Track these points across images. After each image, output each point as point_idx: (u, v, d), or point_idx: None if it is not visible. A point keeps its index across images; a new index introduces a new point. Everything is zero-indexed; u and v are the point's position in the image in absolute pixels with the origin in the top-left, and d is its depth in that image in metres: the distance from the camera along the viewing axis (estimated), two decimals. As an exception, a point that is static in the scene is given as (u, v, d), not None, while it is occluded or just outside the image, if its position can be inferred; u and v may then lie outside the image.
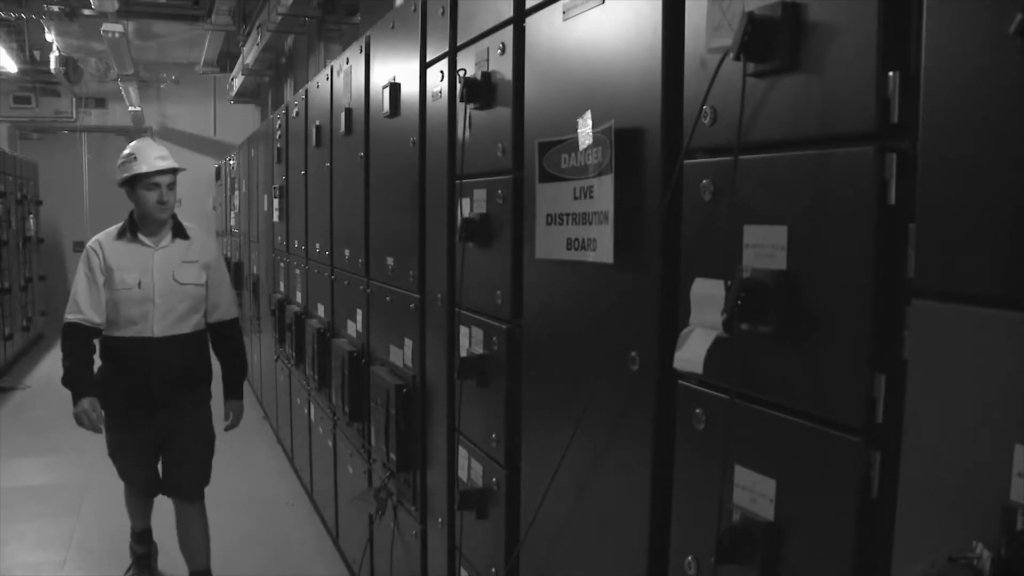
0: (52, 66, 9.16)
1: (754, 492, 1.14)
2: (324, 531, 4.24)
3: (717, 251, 1.20)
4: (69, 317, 3.22)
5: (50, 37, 8.45)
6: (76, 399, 3.14)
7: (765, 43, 1.07)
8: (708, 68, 1.19)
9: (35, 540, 4.24)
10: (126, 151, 3.29)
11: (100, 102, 11.78)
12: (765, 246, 1.11)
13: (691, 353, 1.19)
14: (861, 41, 0.97)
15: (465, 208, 2.09)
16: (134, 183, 3.21)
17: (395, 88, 2.65)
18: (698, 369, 1.18)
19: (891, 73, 0.94)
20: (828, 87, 1.02)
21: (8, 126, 11.65)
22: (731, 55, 1.10)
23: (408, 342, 2.62)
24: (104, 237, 3.33)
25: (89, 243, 3.34)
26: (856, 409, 0.98)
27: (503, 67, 1.90)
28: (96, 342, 3.26)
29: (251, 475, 5.26)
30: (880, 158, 0.95)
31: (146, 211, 3.26)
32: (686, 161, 1.26)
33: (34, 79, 10.71)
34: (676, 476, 1.32)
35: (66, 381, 3.17)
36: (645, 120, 1.36)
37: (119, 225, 3.35)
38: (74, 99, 11.54)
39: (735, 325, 1.10)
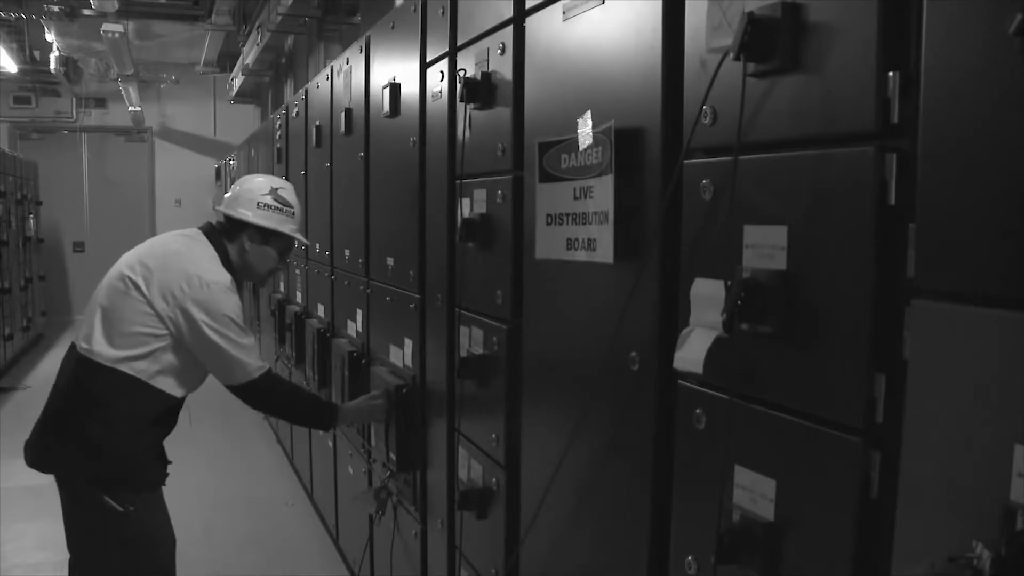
0: (52, 66, 9.16)
1: (754, 492, 1.14)
2: (324, 531, 4.24)
3: (717, 251, 1.20)
4: (264, 364, 2.55)
5: (50, 37, 8.44)
6: (339, 420, 2.75)
7: (765, 43, 1.07)
8: (708, 68, 1.19)
9: (35, 540, 4.23)
10: (283, 193, 2.65)
11: (100, 102, 11.76)
12: (765, 246, 1.11)
13: (691, 353, 1.19)
14: (861, 41, 0.97)
15: (465, 208, 2.09)
16: (269, 236, 2.61)
17: (395, 88, 2.65)
18: (698, 369, 1.18)
19: (891, 73, 0.94)
20: (828, 87, 1.02)
21: (8, 126, 11.65)
22: (731, 55, 1.10)
23: (408, 342, 2.62)
24: (229, 284, 2.52)
25: (230, 286, 2.50)
26: (856, 409, 0.98)
27: (503, 67, 1.90)
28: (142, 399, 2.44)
29: (251, 475, 5.27)
30: (880, 158, 0.95)
31: (257, 269, 2.64)
32: (686, 161, 1.26)
33: (34, 79, 10.71)
34: (676, 476, 1.32)
35: (323, 416, 2.75)
36: (645, 120, 1.36)
37: (220, 269, 2.52)
38: (74, 99, 11.54)
39: (735, 325, 1.10)
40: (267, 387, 2.56)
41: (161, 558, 2.52)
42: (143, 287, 2.41)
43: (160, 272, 2.43)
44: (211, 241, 2.57)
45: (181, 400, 2.52)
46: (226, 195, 2.69)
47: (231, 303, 2.47)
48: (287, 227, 2.63)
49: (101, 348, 2.38)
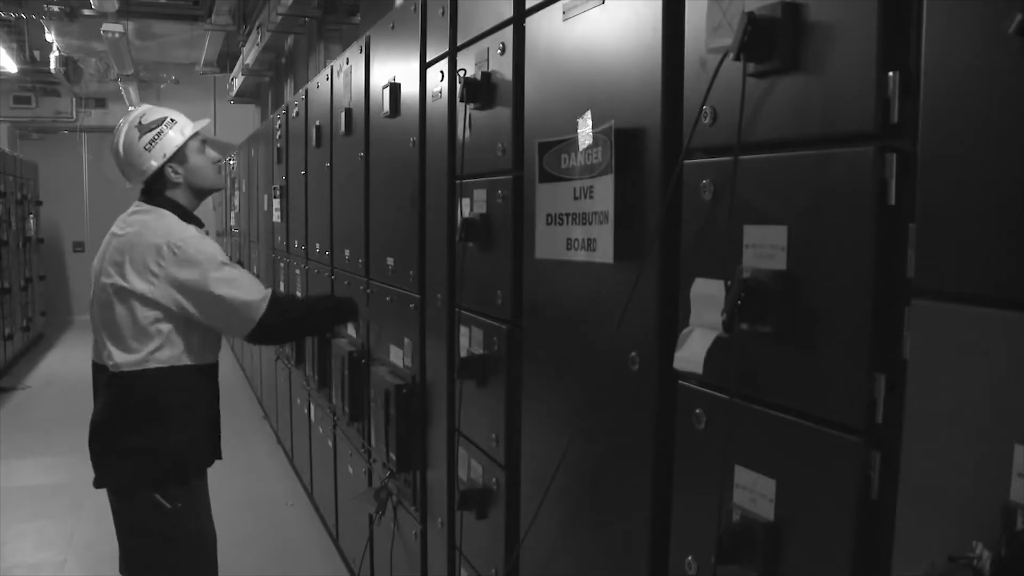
0: (52, 66, 9.16)
1: (754, 492, 1.14)
2: (324, 531, 4.24)
3: (717, 251, 1.20)
4: (267, 291, 2.53)
5: (50, 37, 8.44)
6: (348, 315, 2.89)
7: (765, 43, 1.07)
8: (708, 68, 1.19)
9: (35, 540, 4.24)
10: (148, 117, 2.53)
11: (100, 102, 11.77)
12: (765, 246, 1.11)
13: (691, 353, 1.19)
14: (861, 41, 0.97)
15: (465, 208, 2.09)
16: (180, 153, 2.53)
17: (395, 88, 2.65)
18: (698, 369, 1.18)
19: (891, 73, 0.94)
20: (828, 87, 1.02)
21: (8, 126, 11.65)
22: (731, 55, 1.10)
23: (408, 342, 2.62)
24: (195, 232, 2.53)
25: (198, 232, 2.51)
26: (856, 409, 0.98)
27: (503, 67, 1.90)
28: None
29: (251, 475, 5.26)
30: (880, 158, 0.95)
31: (206, 182, 2.61)
32: (686, 161, 1.26)
33: (34, 79, 10.71)
34: (676, 476, 1.32)
35: (344, 310, 2.87)
36: (645, 120, 1.36)
37: (173, 219, 2.49)
38: (74, 99, 11.54)
39: (735, 325, 1.10)
40: (278, 321, 2.53)
41: (205, 551, 2.58)
42: (121, 283, 2.40)
43: (129, 257, 2.41)
44: (158, 204, 2.52)
45: (216, 365, 2.57)
46: (119, 165, 2.57)
47: (208, 246, 2.47)
48: (183, 135, 2.53)
49: (122, 358, 2.39)
